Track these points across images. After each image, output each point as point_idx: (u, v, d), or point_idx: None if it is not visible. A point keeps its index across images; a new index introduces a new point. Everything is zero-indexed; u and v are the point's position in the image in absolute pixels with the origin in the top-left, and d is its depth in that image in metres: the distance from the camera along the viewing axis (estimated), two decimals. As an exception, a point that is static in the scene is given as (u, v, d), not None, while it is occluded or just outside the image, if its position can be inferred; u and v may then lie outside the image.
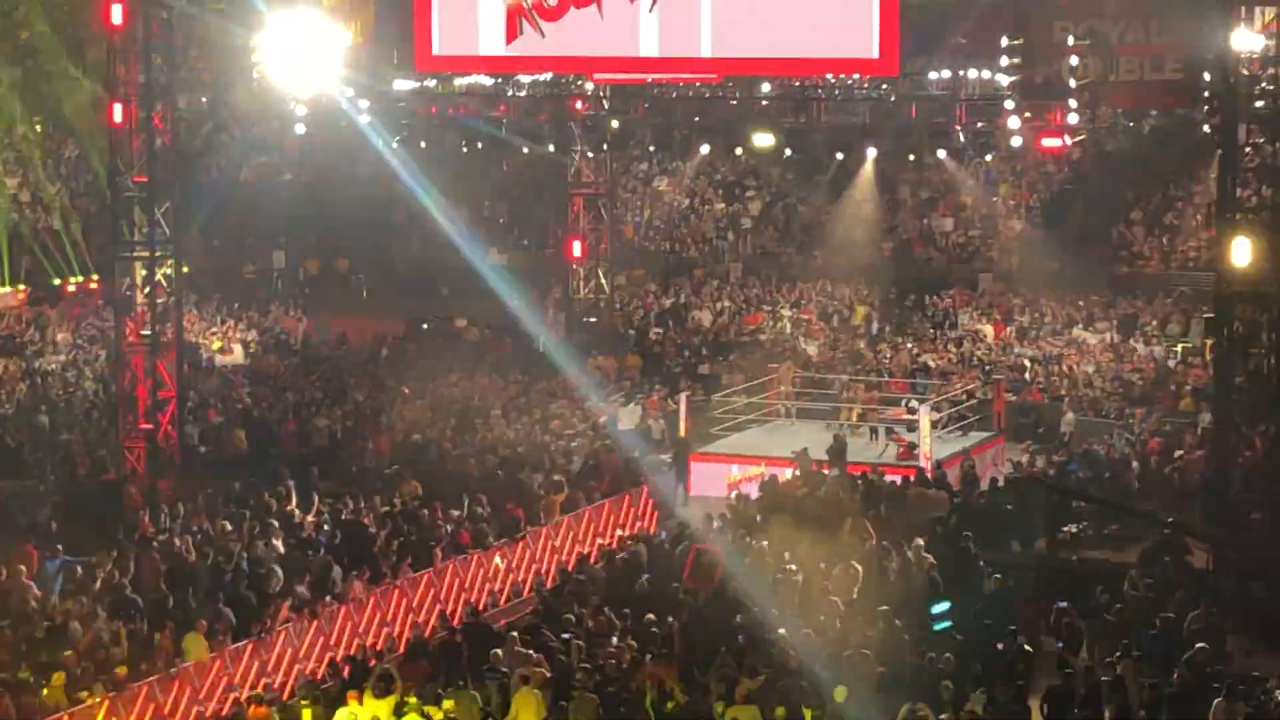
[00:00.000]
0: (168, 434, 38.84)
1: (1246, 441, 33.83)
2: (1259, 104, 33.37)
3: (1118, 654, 27.36)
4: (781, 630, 27.99)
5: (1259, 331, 33.42)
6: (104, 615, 28.85)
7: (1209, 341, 39.40)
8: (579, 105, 49.70)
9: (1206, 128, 47.05)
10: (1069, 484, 38.20)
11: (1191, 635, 28.37)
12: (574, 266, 55.88)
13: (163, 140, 38.72)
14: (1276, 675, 26.57)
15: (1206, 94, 35.48)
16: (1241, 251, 33.36)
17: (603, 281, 56.35)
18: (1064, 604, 29.47)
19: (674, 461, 42.06)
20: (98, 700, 26.18)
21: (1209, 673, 26.90)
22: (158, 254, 38.58)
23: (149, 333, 38.40)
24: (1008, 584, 30.79)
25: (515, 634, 28.35)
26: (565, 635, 27.99)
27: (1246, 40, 33.17)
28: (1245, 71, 33.38)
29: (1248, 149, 33.53)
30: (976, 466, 40.04)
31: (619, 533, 37.47)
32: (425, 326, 58.70)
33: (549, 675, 26.30)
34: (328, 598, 30.96)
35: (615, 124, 48.44)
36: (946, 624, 27.98)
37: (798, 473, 39.06)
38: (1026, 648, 27.94)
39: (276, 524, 33.92)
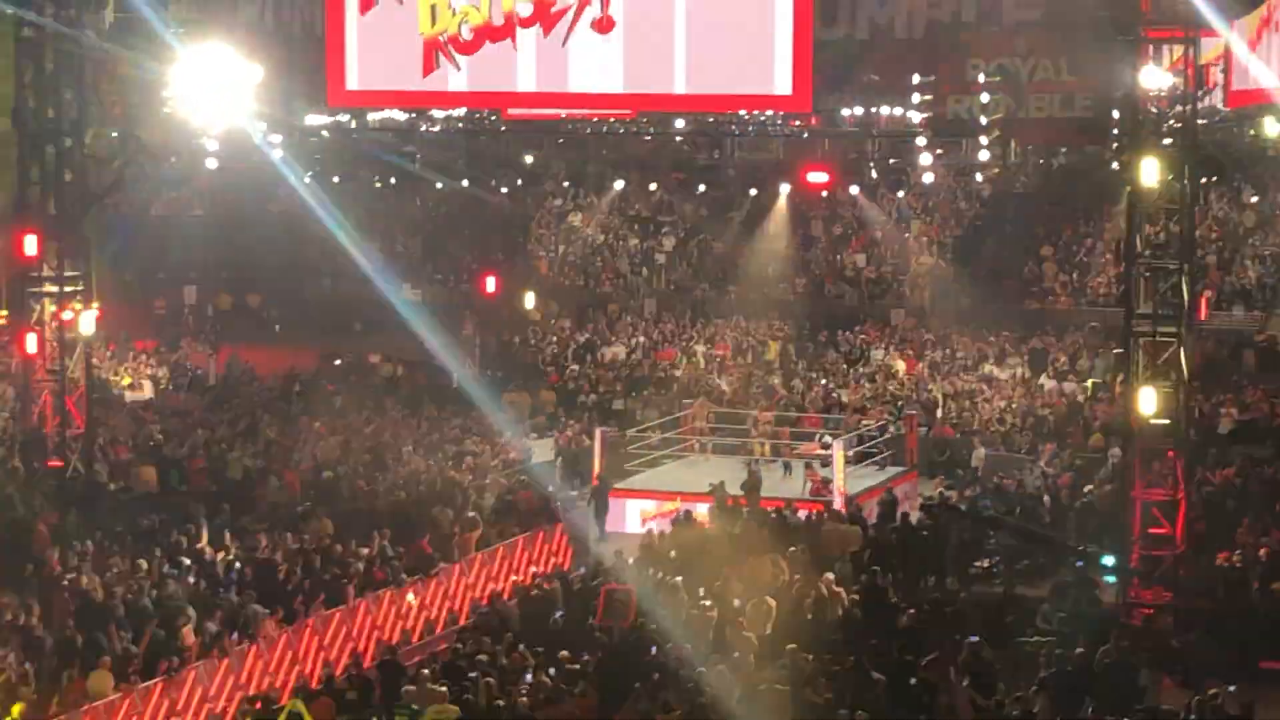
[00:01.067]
0: (76, 470, 38.47)
1: (1157, 477, 34.00)
2: (1167, 141, 33.64)
3: (1032, 688, 27.47)
4: (697, 666, 27.94)
5: (1167, 368, 33.65)
6: (11, 655, 28.50)
7: (1118, 377, 39.65)
8: (493, 141, 49.67)
9: (1115, 165, 47.45)
10: (991, 515, 38.38)
11: (1103, 669, 28.52)
12: (488, 302, 55.77)
13: (72, 175, 38.44)
14: (1186, 709, 26.70)
15: (1115, 131, 35.68)
16: (1149, 288, 33.64)
17: (517, 317, 56.29)
18: (975, 639, 29.54)
19: (594, 497, 41.99)
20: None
21: (1121, 707, 27.05)
22: (66, 289, 38.28)
23: (57, 369, 38.06)
24: (920, 619, 30.82)
25: (426, 671, 28.24)
26: (476, 674, 27.84)
27: (1154, 78, 33.45)
28: (1153, 109, 33.66)
29: (1156, 186, 33.77)
30: (904, 496, 40.27)
31: (533, 570, 37.39)
32: (338, 362, 58.48)
33: (460, 713, 26.18)
34: (238, 636, 30.71)
35: (529, 159, 48.50)
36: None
37: (713, 507, 39.06)
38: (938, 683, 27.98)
39: (187, 561, 33.65)
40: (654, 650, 29.15)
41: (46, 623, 30.10)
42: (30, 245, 37.67)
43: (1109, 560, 30.36)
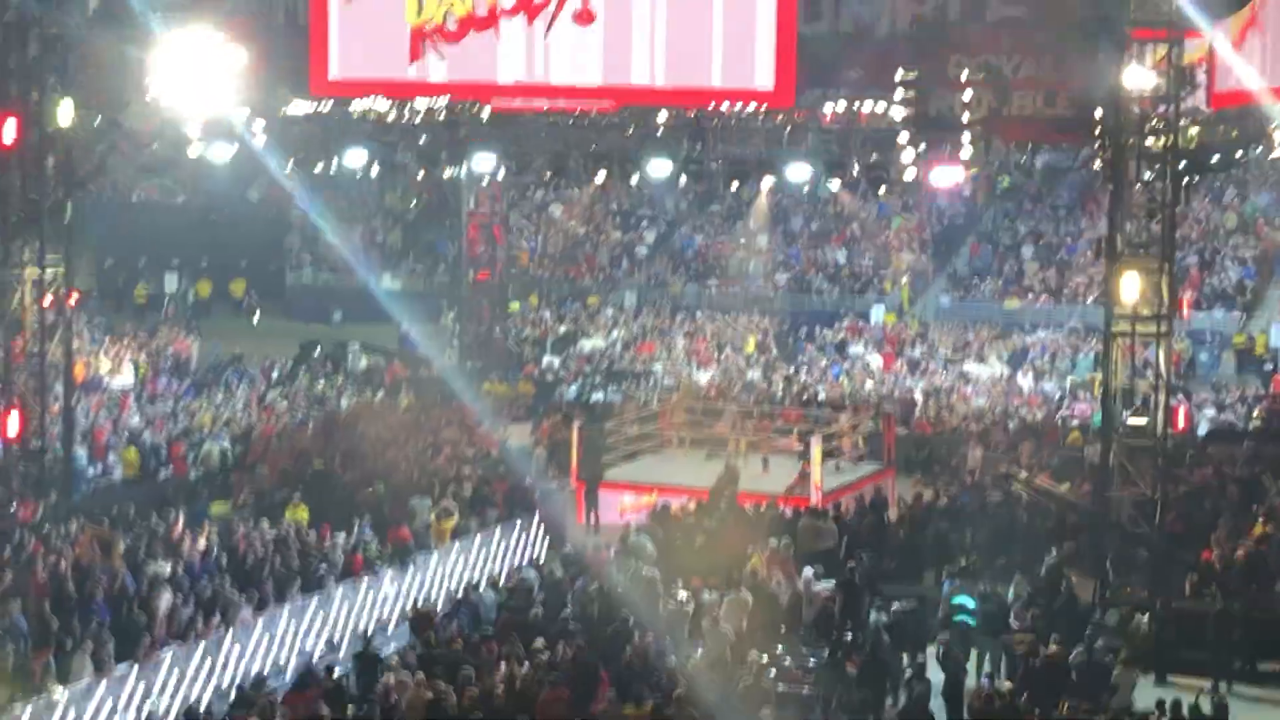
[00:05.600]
0: (55, 455, 38.42)
1: (1134, 476, 34.10)
2: (1149, 140, 33.75)
3: (1008, 685, 27.59)
4: (671, 659, 27.97)
5: (1146, 368, 33.78)
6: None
7: (1097, 376, 39.76)
8: (474, 131, 49.58)
9: (1098, 163, 47.49)
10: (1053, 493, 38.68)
11: (1078, 667, 28.62)
12: (468, 292, 55.77)
13: (54, 161, 38.37)
14: (1160, 707, 26.80)
15: (1098, 130, 35.76)
16: (1130, 287, 33.76)
17: (496, 308, 56.28)
18: (947, 636, 29.62)
19: (585, 490, 41.88)
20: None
21: (1095, 704, 27.15)
22: (47, 274, 38.23)
23: (38, 353, 38.00)
24: (896, 616, 30.88)
25: (402, 660, 28.24)
26: (454, 662, 27.87)
27: (1138, 78, 33.57)
28: (1135, 109, 33.77)
29: (1137, 185, 33.88)
30: (882, 493, 40.34)
31: (510, 559, 37.41)
32: (318, 350, 58.45)
33: (434, 700, 26.20)
34: (215, 622, 30.69)
35: (511, 150, 48.46)
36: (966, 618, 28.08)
37: (689, 502, 39.04)
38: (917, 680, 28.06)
39: (164, 547, 33.63)
40: (629, 643, 29.17)
41: (23, 607, 30.04)
42: (11, 230, 37.61)
43: (967, 601, 30.20)
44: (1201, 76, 36.89)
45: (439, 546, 36.43)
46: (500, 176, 48.13)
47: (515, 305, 61.96)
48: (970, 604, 30.54)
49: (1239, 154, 40.76)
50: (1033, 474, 40.39)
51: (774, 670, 27.96)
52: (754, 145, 44.90)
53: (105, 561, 32.30)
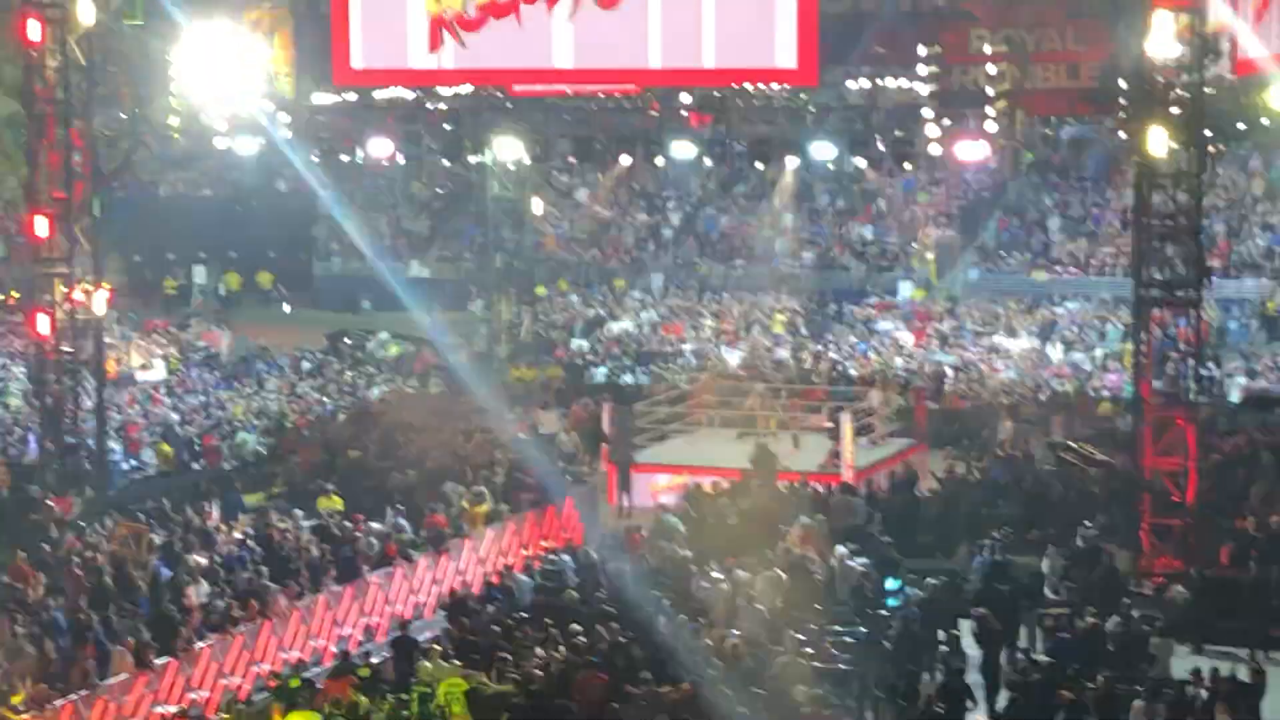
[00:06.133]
0: (89, 449, 38.57)
1: (1167, 446, 34.03)
2: (1174, 110, 33.63)
3: (1044, 657, 27.63)
4: (706, 639, 28.00)
5: (1176, 336, 33.73)
6: (24, 632, 28.60)
7: (1127, 346, 39.70)
8: (498, 117, 49.65)
9: (1123, 134, 47.39)
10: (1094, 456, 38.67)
11: (1114, 638, 28.61)
12: (495, 278, 55.83)
13: (81, 156, 38.49)
14: (1197, 677, 26.78)
15: (1122, 101, 35.67)
16: (1157, 256, 33.71)
17: (524, 293, 56.34)
18: (983, 611, 29.59)
19: (617, 472, 41.87)
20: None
21: (1132, 675, 27.15)
22: (77, 270, 38.36)
23: (70, 349, 38.16)
24: (931, 590, 30.88)
25: (439, 646, 28.31)
26: (490, 647, 27.94)
27: (1161, 48, 33.44)
28: (1160, 79, 33.65)
29: (1163, 155, 33.77)
30: (914, 468, 40.31)
31: (544, 544, 37.46)
32: (347, 340, 58.56)
33: (473, 686, 26.28)
34: (251, 612, 30.79)
35: (535, 136, 48.53)
36: (896, 601, 27.88)
37: (721, 482, 39.02)
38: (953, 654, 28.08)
39: (200, 539, 33.76)
40: (664, 624, 29.21)
41: (60, 602, 30.19)
42: (41, 227, 37.73)
43: (892, 584, 30.03)
44: (1225, 44, 36.71)
45: (472, 532, 36.51)
46: (525, 161, 48.18)
47: (542, 289, 62.02)
48: (895, 586, 30.15)
49: (1264, 121, 40.64)
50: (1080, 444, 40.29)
51: (810, 648, 27.97)
52: (778, 123, 44.95)
53: (141, 556, 32.43)
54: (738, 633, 28.35)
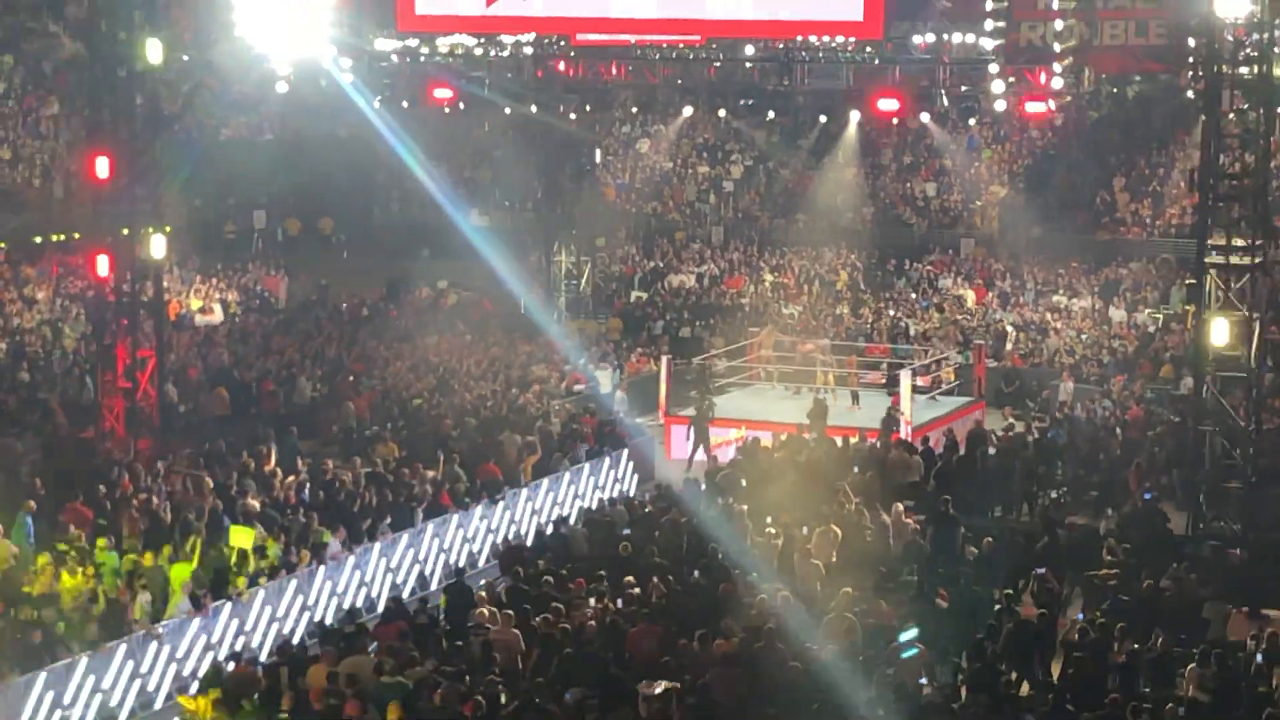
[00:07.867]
0: (147, 393, 38.64)
1: (1227, 408, 33.79)
2: (1243, 69, 33.27)
3: (1098, 616, 27.47)
4: (760, 594, 27.94)
5: (1240, 298, 33.42)
6: (81, 573, 28.71)
7: (1190, 308, 39.37)
8: (561, 66, 49.57)
9: (1190, 93, 46.98)
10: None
11: (1169, 600, 28.44)
12: (556, 228, 55.74)
13: (143, 99, 38.44)
14: (1252, 640, 26.61)
15: (1190, 59, 35.33)
16: (1222, 217, 33.41)
17: (584, 244, 56.23)
18: (1043, 570, 29.44)
19: (693, 425, 41.59)
20: (77, 658, 26.12)
21: (1187, 638, 26.98)
22: (138, 212, 38.34)
23: (129, 291, 38.20)
24: (988, 549, 30.73)
25: (491, 594, 28.31)
26: (543, 596, 27.92)
27: (1231, 5, 33.05)
28: (1229, 37, 33.30)
29: (1231, 115, 33.44)
30: (955, 432, 40.06)
31: (599, 495, 37.45)
32: (405, 288, 58.57)
33: (526, 634, 26.27)
34: (307, 556, 30.85)
35: (598, 86, 48.42)
36: (913, 651, 27.62)
37: (780, 436, 38.92)
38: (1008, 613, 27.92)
39: (255, 483, 33.82)
40: (719, 578, 29.14)
41: (116, 543, 30.28)
42: (102, 168, 37.71)
43: (910, 634, 29.37)
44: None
45: (526, 482, 36.49)
46: (586, 111, 48.03)
47: (602, 240, 61.89)
48: (913, 635, 29.48)
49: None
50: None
51: (863, 604, 27.87)
52: (842, 77, 44.79)
53: (197, 499, 32.52)
54: (790, 588, 28.30)
